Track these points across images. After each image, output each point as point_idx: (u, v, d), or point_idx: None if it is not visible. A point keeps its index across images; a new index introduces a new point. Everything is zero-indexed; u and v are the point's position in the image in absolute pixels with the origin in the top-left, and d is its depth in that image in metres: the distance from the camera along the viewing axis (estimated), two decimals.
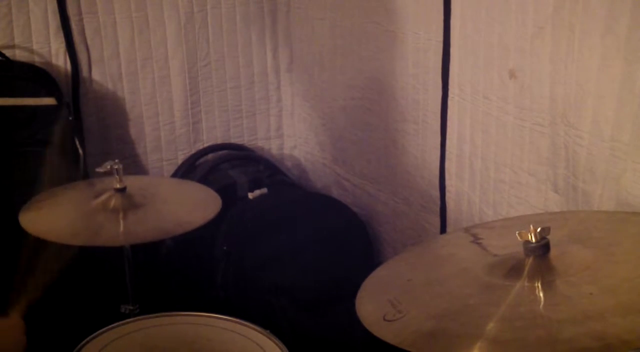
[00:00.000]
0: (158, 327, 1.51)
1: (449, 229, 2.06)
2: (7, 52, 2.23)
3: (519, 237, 1.12)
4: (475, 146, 1.89)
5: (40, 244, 1.49)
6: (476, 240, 1.35)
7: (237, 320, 1.49)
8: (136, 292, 1.78)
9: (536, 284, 1.08)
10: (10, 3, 2.22)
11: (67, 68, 2.33)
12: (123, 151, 2.45)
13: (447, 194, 2.04)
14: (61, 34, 2.29)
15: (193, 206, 1.80)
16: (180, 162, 2.57)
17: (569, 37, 1.50)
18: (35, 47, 2.28)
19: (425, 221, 2.16)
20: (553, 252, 1.12)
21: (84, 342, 1.43)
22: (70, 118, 2.26)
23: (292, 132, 2.76)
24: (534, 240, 1.11)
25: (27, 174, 2.16)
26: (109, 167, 1.73)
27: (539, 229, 1.11)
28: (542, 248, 1.11)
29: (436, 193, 2.08)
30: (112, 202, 1.70)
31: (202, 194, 1.87)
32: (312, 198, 2.49)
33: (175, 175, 2.51)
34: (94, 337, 1.45)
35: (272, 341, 1.43)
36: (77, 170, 2.22)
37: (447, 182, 2.03)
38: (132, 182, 1.77)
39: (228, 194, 2.18)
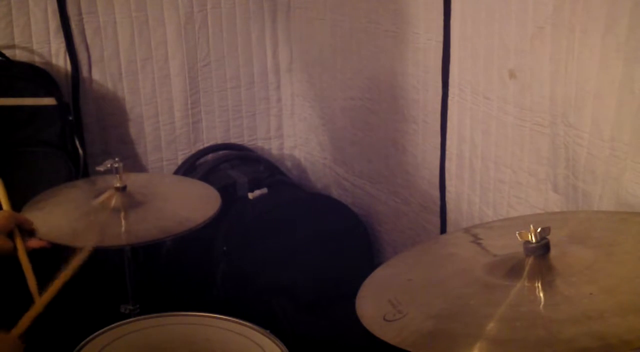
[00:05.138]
0: (158, 327, 1.51)
1: (449, 229, 2.06)
2: (7, 52, 2.23)
3: (519, 237, 1.12)
4: (475, 146, 1.89)
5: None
6: (476, 240, 1.35)
7: (237, 320, 1.49)
8: (136, 292, 1.78)
9: (536, 284, 1.08)
10: (10, 3, 2.23)
11: (67, 68, 2.33)
12: (123, 151, 2.45)
13: (447, 194, 2.04)
14: (61, 34, 2.29)
15: (194, 203, 1.80)
16: (180, 162, 2.57)
17: (569, 37, 1.50)
18: (35, 47, 2.28)
19: (425, 221, 2.16)
20: (553, 252, 1.12)
21: (84, 342, 1.43)
22: (70, 118, 2.26)
23: (292, 132, 2.76)
24: (534, 240, 1.11)
25: (27, 174, 2.16)
26: (109, 165, 1.72)
27: (539, 229, 1.11)
28: (542, 248, 1.11)
29: (436, 193, 2.08)
30: (113, 201, 1.70)
31: (202, 191, 1.87)
32: (312, 198, 2.49)
33: (175, 175, 2.51)
34: (94, 337, 1.45)
35: (272, 341, 1.43)
36: (77, 170, 2.23)
37: (447, 182, 2.03)
38: (132, 181, 1.76)
39: (228, 194, 2.19)
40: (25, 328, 1.33)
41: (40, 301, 1.36)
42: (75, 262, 1.45)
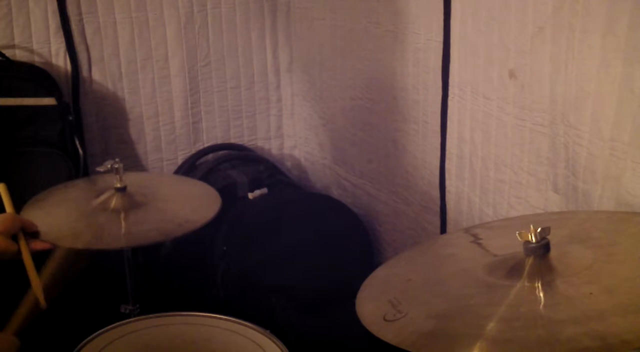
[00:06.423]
0: (158, 327, 1.51)
1: (449, 229, 2.06)
2: (7, 52, 2.23)
3: (519, 237, 1.12)
4: (475, 146, 1.89)
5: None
6: (476, 240, 1.35)
7: (237, 320, 1.49)
8: (136, 292, 1.78)
9: (536, 284, 1.08)
10: (10, 3, 2.23)
11: (67, 68, 2.33)
12: (123, 151, 2.45)
13: (447, 194, 2.04)
14: (61, 34, 2.29)
15: (194, 205, 1.80)
16: (180, 162, 2.57)
17: (569, 37, 1.50)
18: (35, 47, 2.29)
19: (425, 221, 2.16)
20: (553, 252, 1.12)
21: (84, 342, 1.43)
22: (70, 118, 2.26)
23: (292, 132, 2.76)
24: (534, 240, 1.11)
25: (27, 174, 2.16)
26: (109, 166, 1.72)
27: (539, 229, 1.11)
28: (542, 248, 1.11)
29: (436, 193, 2.08)
30: (113, 202, 1.70)
31: (202, 192, 1.87)
32: (312, 198, 2.49)
33: (175, 175, 2.51)
34: (94, 337, 1.45)
35: (272, 341, 1.43)
36: (77, 171, 2.23)
37: (447, 182, 2.03)
38: (132, 181, 1.76)
39: (228, 194, 2.18)
40: (18, 327, 1.34)
41: (27, 301, 1.37)
42: (52, 263, 1.46)
